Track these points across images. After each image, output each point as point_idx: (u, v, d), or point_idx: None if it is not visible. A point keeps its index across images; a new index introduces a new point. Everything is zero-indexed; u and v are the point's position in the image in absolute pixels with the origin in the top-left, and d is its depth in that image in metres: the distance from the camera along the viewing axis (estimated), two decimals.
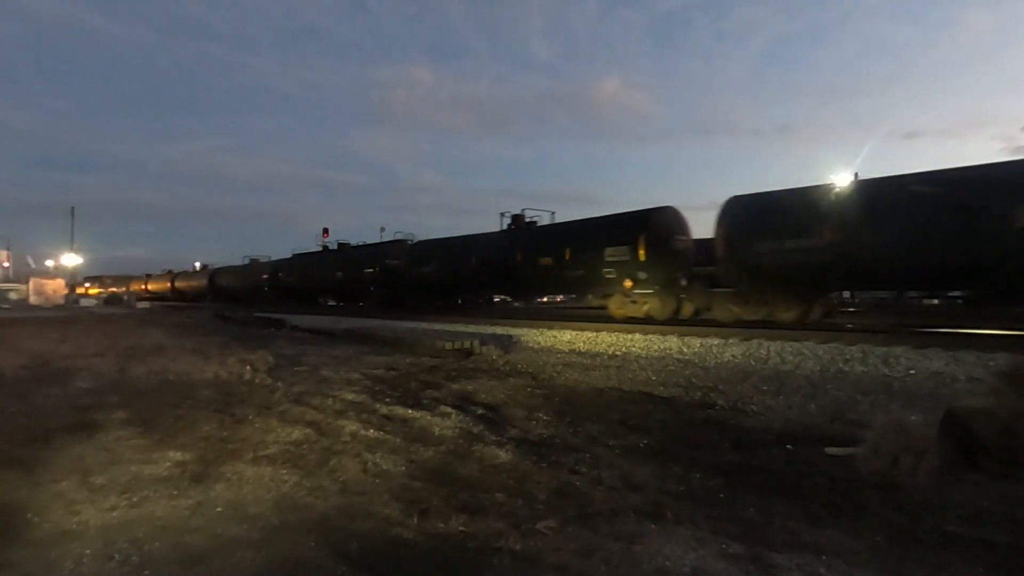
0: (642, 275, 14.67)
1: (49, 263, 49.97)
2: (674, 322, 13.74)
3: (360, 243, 29.63)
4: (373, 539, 2.55)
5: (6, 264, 44.11)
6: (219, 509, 2.90)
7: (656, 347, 10.03)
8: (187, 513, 2.85)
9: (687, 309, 14.58)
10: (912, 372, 7.14)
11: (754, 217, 12.72)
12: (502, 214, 20.39)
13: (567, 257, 16.65)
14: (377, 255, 25.48)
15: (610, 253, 15.33)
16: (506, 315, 18.24)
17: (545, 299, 30.61)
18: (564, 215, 19.84)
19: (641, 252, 14.61)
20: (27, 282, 38.97)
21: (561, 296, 29.85)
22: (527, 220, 19.90)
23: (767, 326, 11.65)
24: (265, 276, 34.14)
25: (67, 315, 22.75)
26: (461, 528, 2.64)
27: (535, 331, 12.83)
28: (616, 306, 15.64)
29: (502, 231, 20.18)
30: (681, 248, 15.15)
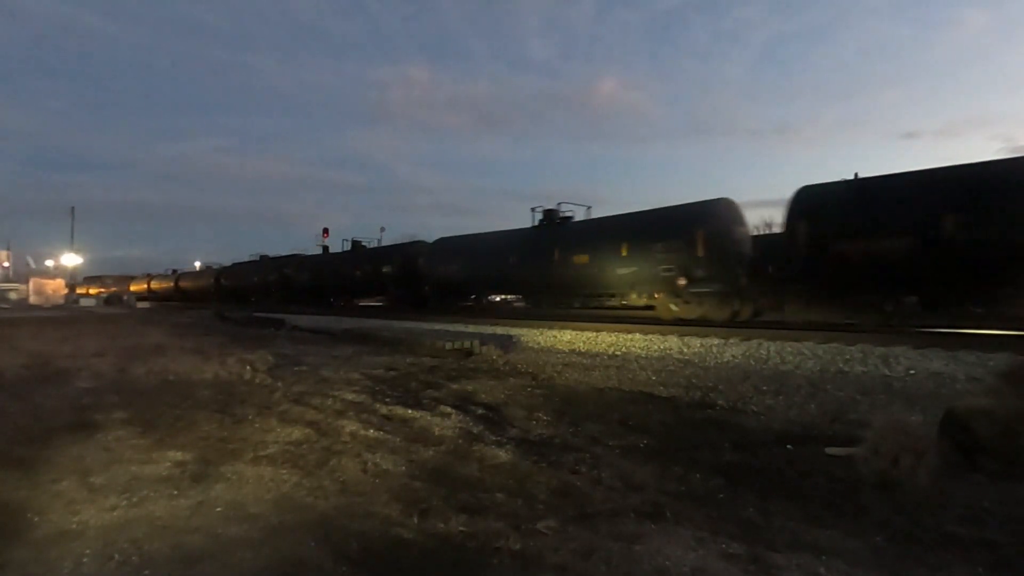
0: (699, 272, 13.34)
1: (49, 263, 50.06)
2: (674, 322, 13.70)
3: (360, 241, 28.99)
4: (373, 539, 2.55)
5: (6, 264, 44.15)
6: (219, 509, 2.90)
7: (656, 347, 10.03)
8: (187, 513, 2.85)
9: (747, 310, 13.56)
10: (912, 372, 7.14)
11: (838, 208, 11.32)
12: (533, 209, 19.04)
13: (613, 254, 15.16)
14: (396, 253, 24.48)
15: (662, 249, 13.95)
16: (506, 315, 18.19)
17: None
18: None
19: (699, 247, 13.25)
20: (27, 282, 38.99)
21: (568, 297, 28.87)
22: (561, 215, 18.56)
23: (768, 326, 11.62)
24: (275, 276, 32.91)
25: (67, 315, 22.74)
26: (461, 528, 2.64)
27: (535, 331, 12.83)
28: (666, 307, 14.30)
29: (534, 227, 18.87)
30: (740, 243, 13.84)
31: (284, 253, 36.52)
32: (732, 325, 12.30)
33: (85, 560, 2.36)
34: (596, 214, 18.86)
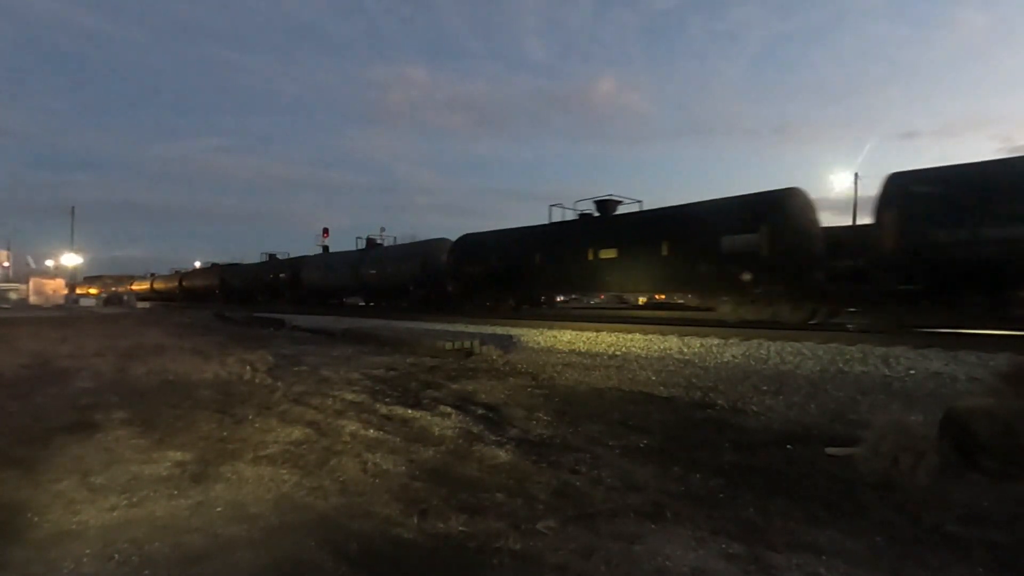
0: (770, 269, 12.06)
1: (49, 263, 50.04)
2: (674, 322, 13.66)
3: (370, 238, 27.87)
4: (373, 539, 2.55)
5: (6, 264, 44.12)
6: (219, 509, 2.90)
7: (656, 347, 10.03)
8: (187, 513, 2.85)
9: (822, 311, 12.43)
10: (912, 372, 7.14)
11: (942, 197, 10.12)
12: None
13: (667, 249, 13.80)
14: (417, 252, 23.22)
15: (729, 243, 12.57)
16: (506, 315, 18.11)
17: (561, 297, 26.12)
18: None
19: (770, 241, 11.98)
20: (27, 282, 38.97)
21: (603, 295, 26.40)
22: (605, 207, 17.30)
23: (772, 326, 11.60)
24: (285, 275, 31.67)
25: (67, 315, 22.74)
26: (461, 528, 2.64)
27: (535, 331, 12.83)
28: (731, 306, 13.11)
29: (574, 221, 17.61)
30: (814, 237, 12.56)
31: (282, 253, 36.04)
32: (732, 325, 12.25)
33: (85, 560, 2.36)
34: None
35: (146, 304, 38.64)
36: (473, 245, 20.85)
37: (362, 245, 28.20)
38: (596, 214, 17.51)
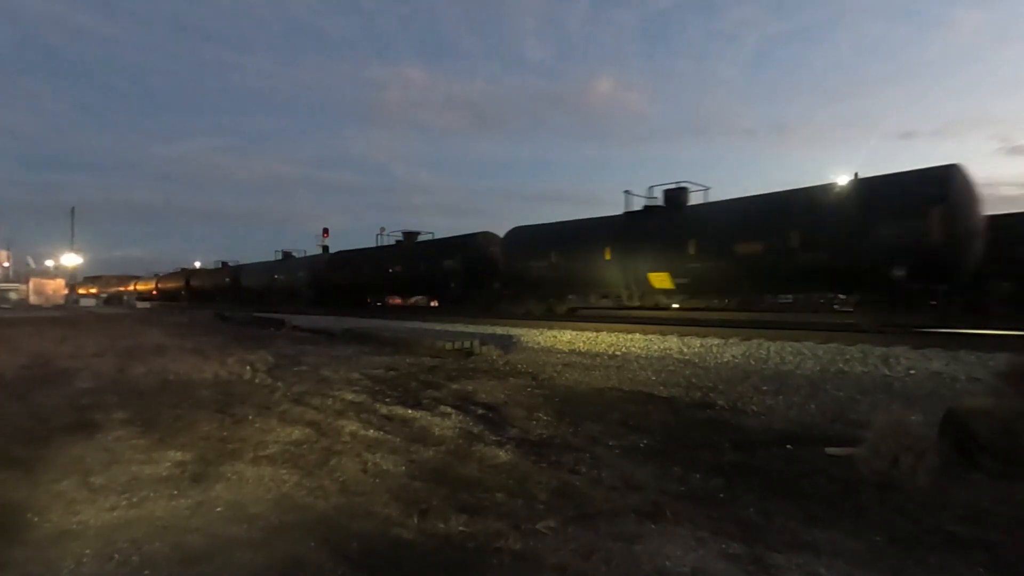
0: (937, 264, 9.99)
1: (49, 263, 50.07)
2: (674, 321, 13.60)
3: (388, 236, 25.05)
4: (373, 539, 2.55)
5: (6, 264, 44.15)
6: (219, 509, 2.90)
7: (656, 347, 10.03)
8: (187, 513, 2.85)
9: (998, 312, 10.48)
10: (912, 372, 7.14)
11: None
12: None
13: (797, 241, 11.55)
14: (462, 246, 20.66)
15: (885, 231, 10.47)
16: (506, 315, 17.99)
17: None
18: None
19: (939, 228, 9.89)
20: (27, 282, 39.01)
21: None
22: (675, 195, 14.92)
23: (767, 326, 11.56)
24: (304, 274, 29.33)
25: (67, 315, 22.75)
26: (461, 528, 2.64)
27: (535, 331, 12.82)
28: (873, 312, 10.97)
29: (660, 208, 15.05)
30: (980, 227, 10.45)
31: (298, 251, 34.45)
32: (732, 325, 12.22)
33: (85, 560, 2.36)
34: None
35: (146, 304, 38.63)
36: (531, 238, 18.29)
37: (412, 238, 25.09)
38: (660, 204, 15.20)
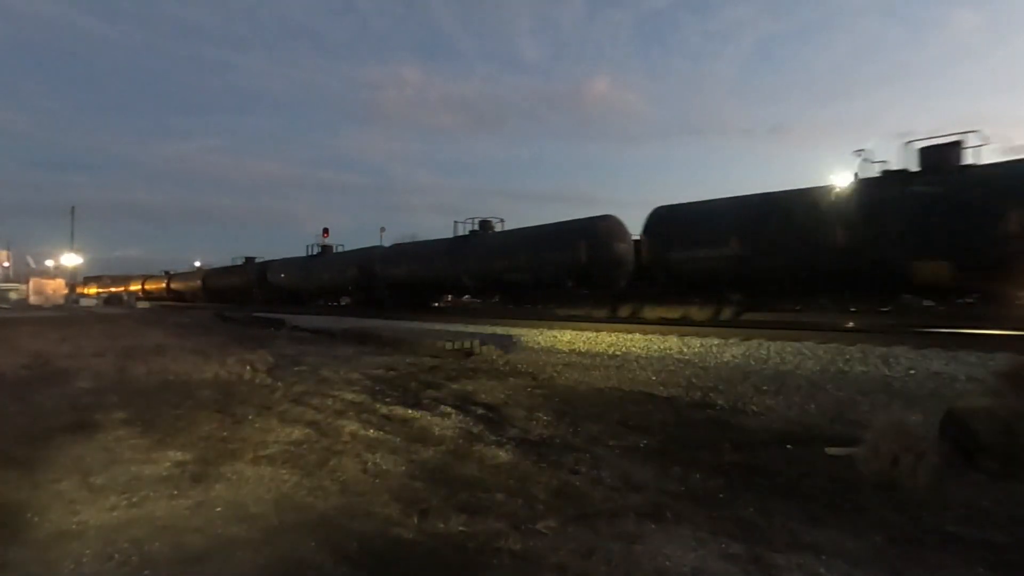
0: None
1: (49, 263, 50.11)
2: (674, 322, 13.57)
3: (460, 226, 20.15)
4: (373, 539, 2.55)
5: (6, 264, 44.22)
6: (219, 509, 2.90)
7: (656, 347, 10.03)
8: (187, 513, 2.85)
9: None
10: (912, 372, 7.13)
11: None
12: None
13: None
14: (579, 235, 16.00)
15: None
16: (506, 315, 17.93)
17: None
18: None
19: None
20: (27, 282, 39.02)
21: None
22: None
23: (767, 326, 11.54)
24: (351, 270, 25.36)
25: (67, 315, 22.76)
26: (461, 528, 2.64)
27: (535, 331, 12.82)
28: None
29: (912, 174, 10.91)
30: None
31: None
32: (732, 325, 12.21)
33: (85, 560, 2.36)
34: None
35: (146, 304, 38.62)
36: (690, 220, 14.16)
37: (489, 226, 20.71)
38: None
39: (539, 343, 11.44)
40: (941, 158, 10.79)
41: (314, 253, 30.17)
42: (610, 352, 9.88)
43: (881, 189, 11.16)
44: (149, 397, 5.71)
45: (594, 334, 11.76)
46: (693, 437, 4.30)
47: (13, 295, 36.29)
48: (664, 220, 14.74)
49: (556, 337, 11.87)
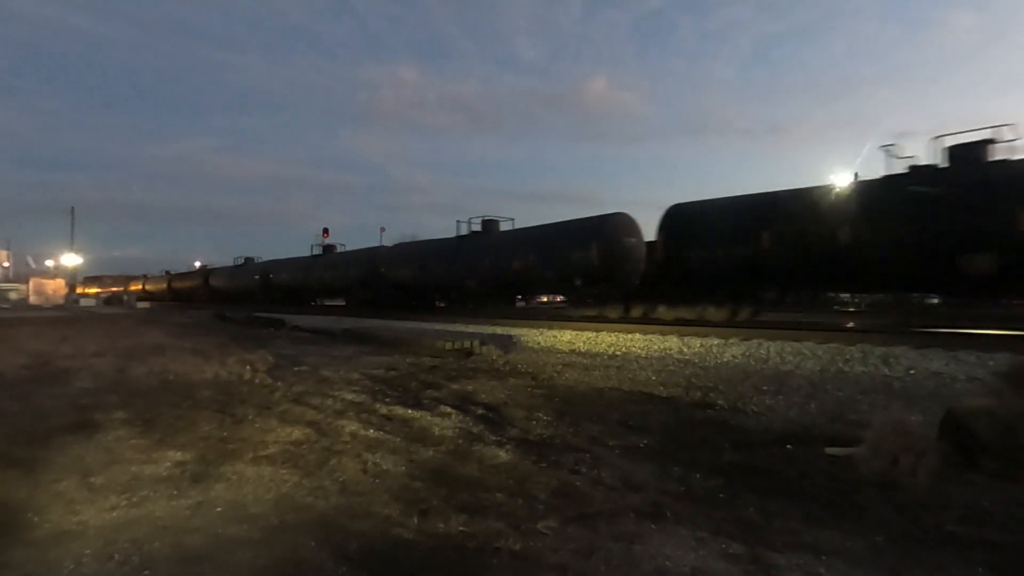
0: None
1: (49, 263, 50.05)
2: (674, 322, 13.58)
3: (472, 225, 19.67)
4: (373, 539, 2.55)
5: (6, 264, 44.18)
6: (219, 509, 2.90)
7: (656, 347, 10.03)
8: (187, 513, 2.85)
9: None
10: (912, 372, 7.14)
11: None
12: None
13: None
14: (591, 233, 15.51)
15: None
16: (506, 315, 17.92)
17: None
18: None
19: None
20: (27, 282, 38.99)
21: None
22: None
23: (767, 326, 11.55)
24: (356, 270, 24.61)
25: (67, 315, 22.75)
26: (461, 528, 2.64)
27: (535, 331, 12.82)
28: None
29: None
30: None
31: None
32: (732, 325, 12.22)
33: (85, 560, 2.36)
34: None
35: (146, 304, 38.60)
36: (710, 216, 13.74)
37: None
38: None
39: (539, 343, 11.44)
40: (970, 154, 10.88)
41: (317, 253, 30.14)
42: (610, 352, 9.88)
43: (916, 184, 10.95)
44: (149, 397, 5.71)
45: (594, 334, 11.77)
46: (693, 437, 4.30)
47: (13, 295, 36.26)
48: (682, 217, 14.37)
49: (556, 337, 11.87)
